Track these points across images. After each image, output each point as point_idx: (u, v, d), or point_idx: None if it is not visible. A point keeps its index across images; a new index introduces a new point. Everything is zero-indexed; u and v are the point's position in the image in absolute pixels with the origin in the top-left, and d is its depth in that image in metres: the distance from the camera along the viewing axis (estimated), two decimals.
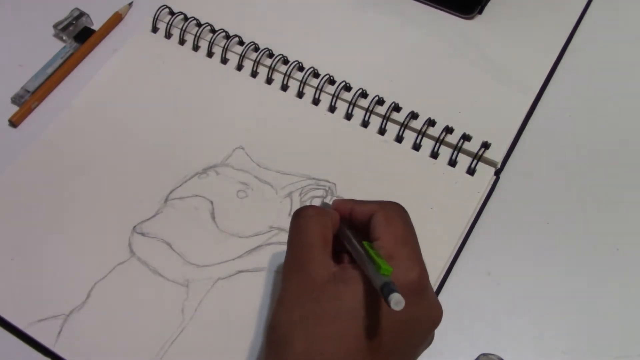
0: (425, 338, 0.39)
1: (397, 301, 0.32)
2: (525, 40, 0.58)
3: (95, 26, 0.61)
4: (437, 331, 0.41)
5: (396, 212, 0.40)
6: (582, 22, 0.59)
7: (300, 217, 0.40)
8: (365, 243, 0.39)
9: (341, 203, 0.42)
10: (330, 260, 0.38)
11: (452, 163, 0.51)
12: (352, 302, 0.36)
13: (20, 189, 0.52)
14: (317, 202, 0.50)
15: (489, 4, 0.60)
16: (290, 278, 0.39)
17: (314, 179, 0.51)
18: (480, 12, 0.60)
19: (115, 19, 0.62)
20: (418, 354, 0.40)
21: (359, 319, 0.36)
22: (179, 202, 0.50)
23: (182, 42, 0.59)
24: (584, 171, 0.52)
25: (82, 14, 0.61)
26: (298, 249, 0.39)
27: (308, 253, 0.38)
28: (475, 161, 0.51)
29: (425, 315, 0.38)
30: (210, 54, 0.58)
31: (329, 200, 0.50)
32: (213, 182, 0.51)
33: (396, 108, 0.54)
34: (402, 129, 0.53)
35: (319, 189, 0.51)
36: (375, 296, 0.36)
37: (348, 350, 0.35)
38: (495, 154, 0.52)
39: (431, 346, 0.41)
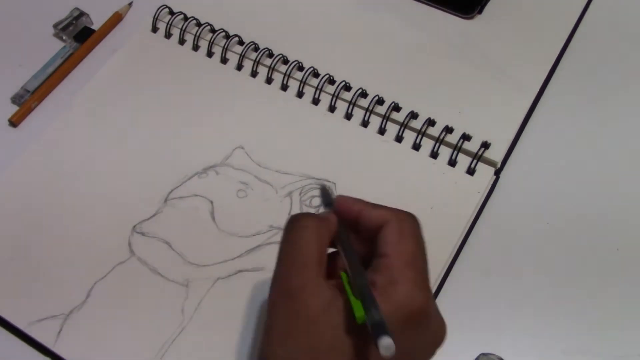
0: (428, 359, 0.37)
1: (387, 347, 0.30)
2: (525, 40, 0.58)
3: (95, 26, 0.61)
4: None
5: (410, 227, 0.36)
6: (582, 22, 0.59)
7: (295, 228, 0.36)
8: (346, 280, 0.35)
9: (348, 202, 0.38)
10: (325, 284, 0.34)
11: (452, 163, 0.51)
12: (349, 332, 0.33)
13: (20, 189, 0.52)
14: (316, 202, 0.50)
15: (489, 4, 0.60)
16: (280, 306, 0.35)
17: (313, 178, 0.51)
18: (480, 12, 0.60)
19: (115, 19, 0.62)
20: None
21: (357, 350, 0.33)
22: (178, 201, 0.50)
23: (182, 42, 0.59)
24: (584, 171, 0.52)
25: (82, 13, 0.61)
26: (289, 269, 0.35)
27: (300, 277, 0.34)
28: (475, 161, 0.51)
29: (429, 340, 0.36)
30: (210, 54, 0.58)
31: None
32: (213, 182, 0.51)
33: (396, 108, 0.54)
34: (402, 128, 0.53)
35: (318, 188, 0.50)
36: None
37: None
38: (495, 154, 0.51)
39: None
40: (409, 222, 0.37)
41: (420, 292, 0.34)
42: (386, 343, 0.30)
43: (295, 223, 0.36)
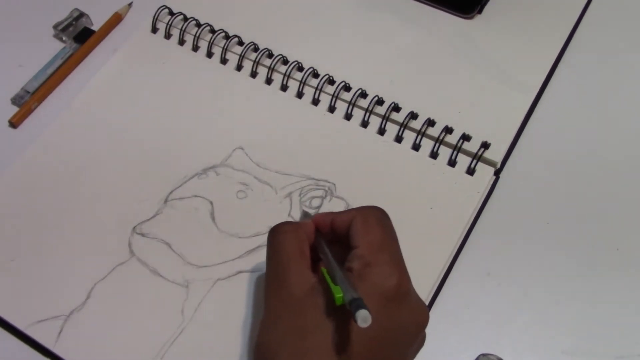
0: (412, 342, 0.39)
1: (363, 318, 0.32)
2: (525, 40, 0.58)
3: (95, 27, 0.61)
4: (436, 331, 0.41)
5: (374, 217, 0.40)
6: (582, 22, 0.59)
7: (276, 235, 0.40)
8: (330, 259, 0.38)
9: (321, 216, 0.42)
10: (309, 272, 0.38)
11: (452, 163, 0.51)
12: (332, 312, 0.36)
13: (20, 190, 0.52)
14: (316, 202, 0.50)
15: (489, 3, 0.60)
16: (271, 296, 0.39)
17: (313, 179, 0.51)
18: (480, 12, 0.60)
19: (115, 20, 0.62)
20: (410, 358, 0.40)
21: (341, 328, 0.36)
22: (178, 202, 0.50)
23: (181, 42, 0.59)
24: (584, 171, 0.52)
25: (81, 14, 0.61)
26: (276, 266, 0.39)
27: (286, 269, 0.38)
28: (474, 161, 0.51)
29: (410, 319, 0.38)
30: (209, 54, 0.58)
31: (328, 199, 0.50)
32: (213, 183, 0.51)
33: (396, 108, 0.54)
34: (402, 129, 0.53)
35: (318, 189, 0.51)
36: None
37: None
38: (495, 154, 0.51)
39: (431, 346, 0.41)
40: (373, 214, 0.40)
41: (395, 271, 0.37)
42: (363, 314, 0.32)
43: (275, 231, 0.41)
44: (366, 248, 0.38)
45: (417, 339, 0.39)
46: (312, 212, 0.49)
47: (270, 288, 0.39)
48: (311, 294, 0.37)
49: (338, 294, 0.34)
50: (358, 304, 0.33)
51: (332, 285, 0.36)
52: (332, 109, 0.55)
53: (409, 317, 0.38)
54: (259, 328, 0.39)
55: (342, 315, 0.36)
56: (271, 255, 0.40)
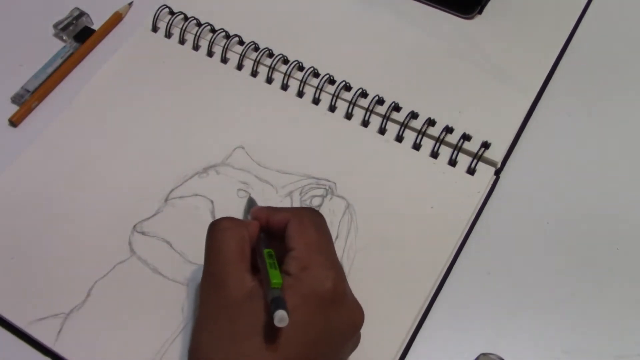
0: (347, 342, 0.39)
1: (280, 318, 0.33)
2: (525, 40, 0.58)
3: (95, 26, 0.61)
4: (437, 330, 0.41)
5: (309, 220, 0.40)
6: (582, 22, 0.59)
7: (216, 231, 0.39)
8: (266, 253, 0.38)
9: (258, 211, 0.42)
10: (248, 275, 0.38)
11: (452, 163, 0.51)
12: (268, 318, 0.36)
13: (20, 189, 0.52)
14: (317, 201, 0.50)
15: (489, 4, 0.60)
16: (207, 297, 0.39)
17: (314, 178, 0.51)
18: (480, 12, 0.60)
19: (115, 19, 0.62)
20: (345, 357, 0.41)
21: (276, 333, 0.35)
22: (179, 201, 0.50)
23: (182, 41, 0.59)
24: (584, 171, 0.52)
25: (82, 13, 0.61)
26: (214, 265, 0.39)
27: (224, 269, 0.38)
28: (475, 161, 0.51)
29: (345, 321, 0.38)
30: (210, 54, 0.58)
31: (329, 198, 0.50)
32: (213, 182, 0.51)
33: (396, 108, 0.54)
34: (402, 128, 0.53)
35: (319, 188, 0.51)
36: None
37: None
38: (495, 153, 0.52)
39: (431, 345, 0.41)
40: (308, 216, 0.40)
41: (331, 273, 0.37)
42: (280, 315, 0.33)
43: (215, 226, 0.40)
44: (302, 250, 0.38)
45: (353, 339, 0.40)
46: (256, 201, 0.49)
47: (207, 289, 0.39)
48: (249, 299, 0.37)
49: (276, 278, 0.36)
50: (277, 303, 0.33)
51: (271, 270, 0.36)
52: (332, 108, 0.55)
53: (345, 319, 0.38)
54: (193, 328, 0.39)
55: None
56: (209, 253, 0.39)
